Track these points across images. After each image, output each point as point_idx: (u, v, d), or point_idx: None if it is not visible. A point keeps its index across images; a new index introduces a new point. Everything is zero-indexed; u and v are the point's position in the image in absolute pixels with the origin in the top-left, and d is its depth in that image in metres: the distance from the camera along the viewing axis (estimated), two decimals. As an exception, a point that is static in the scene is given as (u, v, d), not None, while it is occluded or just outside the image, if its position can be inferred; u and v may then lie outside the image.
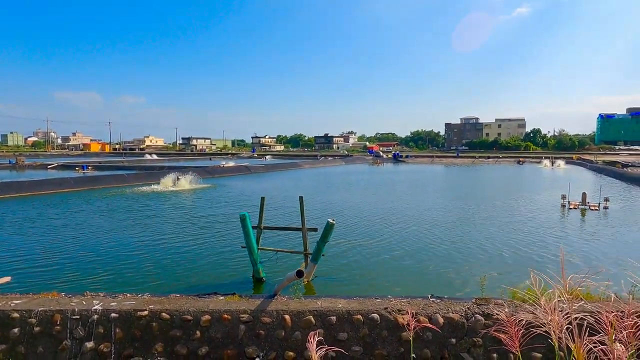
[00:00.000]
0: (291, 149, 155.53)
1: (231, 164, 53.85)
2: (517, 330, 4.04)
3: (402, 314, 5.58)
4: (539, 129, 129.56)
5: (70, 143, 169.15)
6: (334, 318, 5.62)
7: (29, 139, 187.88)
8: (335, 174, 45.94)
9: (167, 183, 30.84)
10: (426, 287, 8.36)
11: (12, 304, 6.10)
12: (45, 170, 47.45)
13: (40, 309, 5.92)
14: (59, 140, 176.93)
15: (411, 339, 4.22)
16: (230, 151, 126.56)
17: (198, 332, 5.67)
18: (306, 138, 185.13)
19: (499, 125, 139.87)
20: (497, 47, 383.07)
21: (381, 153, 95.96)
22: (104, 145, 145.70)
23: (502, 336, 4.23)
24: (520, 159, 76.85)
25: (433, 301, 6.05)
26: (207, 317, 5.71)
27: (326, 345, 3.42)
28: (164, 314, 5.79)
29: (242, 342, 5.59)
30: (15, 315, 5.90)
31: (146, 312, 5.82)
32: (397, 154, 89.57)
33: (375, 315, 5.62)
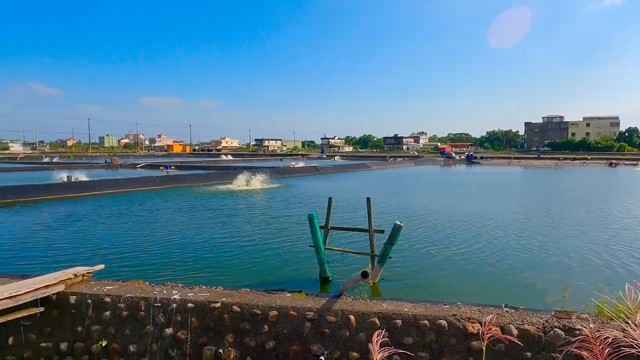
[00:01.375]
0: (360, 150, 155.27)
1: (301, 164, 55.04)
2: (603, 348, 3.67)
3: (472, 322, 5.33)
4: (635, 127, 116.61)
5: (156, 144, 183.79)
6: (399, 322, 5.53)
7: (121, 140, 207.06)
8: (404, 176, 45.06)
9: (240, 182, 32.29)
10: (500, 297, 7.91)
11: (105, 290, 6.77)
12: (135, 169, 51.96)
13: (128, 295, 6.51)
14: (147, 142, 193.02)
15: (483, 348, 4.03)
16: (300, 152, 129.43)
17: (266, 327, 5.88)
18: (375, 139, 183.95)
19: (587, 124, 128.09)
20: (585, 39, 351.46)
21: (453, 154, 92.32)
22: (185, 147, 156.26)
23: (585, 353, 3.88)
24: (613, 160, 69.56)
25: (507, 311, 5.72)
26: (274, 312, 5.91)
27: (391, 347, 3.38)
28: (235, 307, 6.08)
29: (308, 339, 5.70)
30: (107, 299, 6.54)
31: (219, 304, 6.16)
32: (471, 155, 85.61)
33: (443, 322, 5.43)
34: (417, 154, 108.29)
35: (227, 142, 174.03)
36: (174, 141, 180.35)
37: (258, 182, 32.57)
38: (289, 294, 6.54)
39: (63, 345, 6.46)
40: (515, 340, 4.57)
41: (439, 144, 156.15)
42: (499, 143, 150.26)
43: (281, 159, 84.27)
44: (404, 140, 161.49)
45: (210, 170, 45.55)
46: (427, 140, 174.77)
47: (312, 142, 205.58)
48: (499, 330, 5.08)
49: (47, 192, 25.41)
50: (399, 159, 79.27)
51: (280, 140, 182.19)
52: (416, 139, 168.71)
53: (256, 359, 5.77)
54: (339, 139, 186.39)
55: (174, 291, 6.62)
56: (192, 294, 6.46)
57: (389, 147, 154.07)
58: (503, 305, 5.95)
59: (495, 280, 9.62)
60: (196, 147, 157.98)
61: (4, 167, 52.20)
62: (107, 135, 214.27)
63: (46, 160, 72.80)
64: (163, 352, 6.10)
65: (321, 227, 9.98)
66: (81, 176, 34.05)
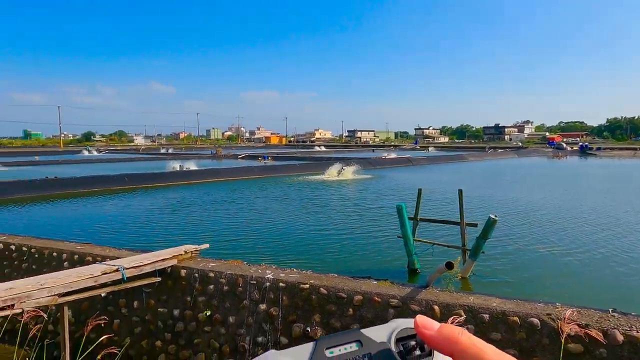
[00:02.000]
0: (456, 141, 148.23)
1: (393, 155, 54.30)
2: None
3: (569, 324, 4.98)
4: None
5: (255, 136, 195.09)
6: (486, 316, 5.37)
7: (225, 133, 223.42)
8: (505, 168, 42.09)
9: (332, 173, 32.98)
10: (608, 302, 7.18)
11: (209, 266, 7.58)
12: (236, 159, 55.87)
13: (228, 272, 7.22)
14: (247, 134, 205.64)
15: (562, 340, 3.81)
16: (392, 143, 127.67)
17: (351, 310, 6.12)
18: (473, 129, 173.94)
19: None
20: None
21: (564, 145, 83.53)
22: (281, 138, 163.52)
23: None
24: None
25: (613, 316, 5.22)
26: (359, 297, 6.12)
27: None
28: (322, 289, 6.41)
29: (391, 326, 5.82)
30: (211, 275, 7.32)
31: (307, 286, 6.55)
32: (585, 145, 76.71)
33: (535, 320, 5.15)
34: (520, 144, 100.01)
35: (320, 134, 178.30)
36: (271, 133, 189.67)
37: (350, 172, 32.97)
38: (375, 282, 6.69)
39: (176, 312, 7.41)
40: (600, 339, 4.20)
41: (547, 133, 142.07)
42: (622, 132, 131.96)
43: (373, 150, 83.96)
44: (505, 129, 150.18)
45: (304, 161, 47.19)
46: (533, 130, 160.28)
47: (405, 132, 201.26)
48: (601, 334, 4.69)
49: (163, 180, 28.64)
50: (500, 150, 74.03)
51: (373, 131, 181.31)
52: (520, 128, 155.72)
53: (341, 339, 6.05)
54: (433, 129, 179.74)
55: (267, 271, 7.17)
56: (283, 275, 6.95)
57: (489, 138, 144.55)
58: (610, 310, 5.44)
59: (603, 284, 8.72)
60: (291, 139, 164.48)
61: (130, 157, 59.77)
62: (213, 128, 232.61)
63: (163, 151, 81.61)
64: (258, 325, 6.68)
65: (410, 219, 9.94)
66: (191, 166, 37.67)
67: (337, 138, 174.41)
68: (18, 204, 20.35)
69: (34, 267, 8.89)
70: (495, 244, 10.76)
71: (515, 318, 5.24)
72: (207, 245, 8.66)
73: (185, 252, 8.06)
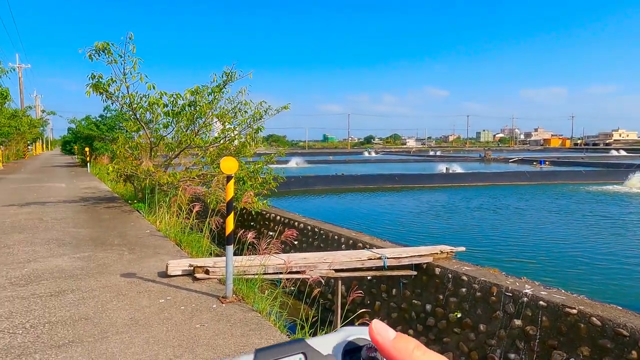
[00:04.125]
0: None
1: None
2: None
3: None
4: None
5: (531, 139, 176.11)
6: None
7: (496, 135, 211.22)
8: None
9: (634, 183, 26.62)
10: None
11: (463, 269, 7.58)
12: (506, 163, 52.13)
13: (482, 279, 7.03)
14: (522, 136, 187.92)
15: None
16: None
17: (634, 353, 4.95)
18: None
19: None
20: None
21: None
22: (565, 140, 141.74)
23: None
24: None
25: None
26: (648, 339, 4.88)
27: None
28: (594, 319, 5.44)
29: (699, 389, 4.39)
30: (464, 278, 7.31)
31: (575, 311, 5.68)
32: None
33: None
34: None
35: (620, 134, 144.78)
36: (551, 135, 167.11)
37: (661, 184, 25.73)
38: (680, 328, 5.18)
39: (428, 307, 7.77)
40: None
41: None
42: None
43: None
44: None
45: (593, 167, 39.57)
46: None
47: None
48: None
49: (428, 181, 29.78)
50: None
51: None
52: None
53: (617, 385, 5.00)
54: None
55: (526, 285, 6.60)
56: (545, 293, 6.24)
57: None
58: None
59: None
60: (578, 141, 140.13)
61: (401, 158, 64.76)
62: (483, 130, 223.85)
63: (431, 153, 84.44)
64: (511, 340, 6.27)
65: None
66: (457, 168, 37.63)
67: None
68: (318, 194, 25.42)
69: (321, 245, 11.04)
70: None
71: None
72: (463, 249, 8.65)
73: (441, 251, 8.30)
